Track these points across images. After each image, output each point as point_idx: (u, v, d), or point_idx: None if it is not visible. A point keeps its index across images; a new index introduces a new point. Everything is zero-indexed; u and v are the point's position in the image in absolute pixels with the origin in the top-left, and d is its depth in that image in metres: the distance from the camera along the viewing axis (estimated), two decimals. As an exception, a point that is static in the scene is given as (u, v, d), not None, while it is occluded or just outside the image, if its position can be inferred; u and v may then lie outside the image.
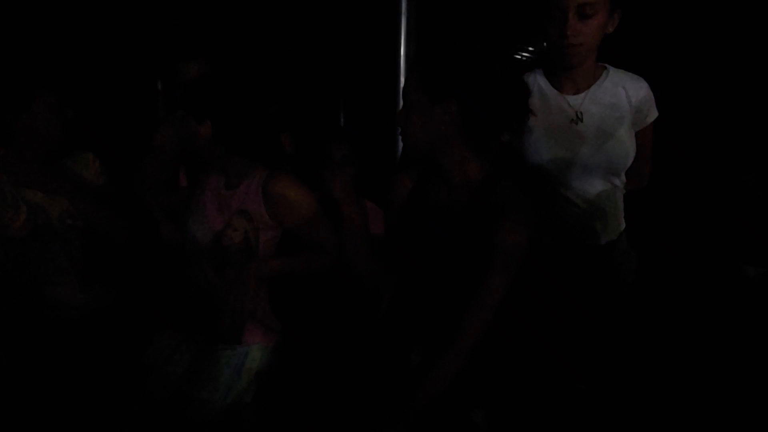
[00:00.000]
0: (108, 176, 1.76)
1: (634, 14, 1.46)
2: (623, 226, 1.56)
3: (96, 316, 1.71)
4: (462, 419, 1.17)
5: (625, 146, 1.46)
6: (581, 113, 1.45)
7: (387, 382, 1.20)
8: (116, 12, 2.71)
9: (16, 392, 1.56)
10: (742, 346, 1.41)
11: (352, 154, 1.84)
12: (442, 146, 1.16)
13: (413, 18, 2.35)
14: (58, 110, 1.62)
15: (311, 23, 2.97)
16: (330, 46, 2.97)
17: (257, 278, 1.47)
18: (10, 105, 1.55)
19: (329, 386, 1.39)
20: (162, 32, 2.71)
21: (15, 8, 2.44)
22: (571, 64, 1.44)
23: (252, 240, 1.50)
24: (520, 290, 1.13)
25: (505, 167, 1.41)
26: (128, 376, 1.55)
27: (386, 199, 1.38)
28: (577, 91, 1.47)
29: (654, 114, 1.52)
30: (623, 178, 1.50)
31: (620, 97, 1.47)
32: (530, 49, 2.96)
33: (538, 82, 1.49)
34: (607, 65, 1.51)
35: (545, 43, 1.47)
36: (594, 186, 1.46)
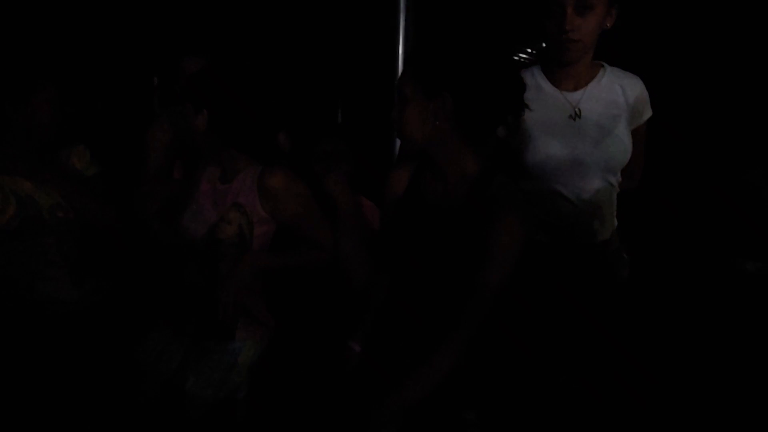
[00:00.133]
0: (99, 167, 1.76)
1: (630, 12, 1.46)
2: (616, 224, 1.56)
3: (88, 312, 1.70)
4: (455, 418, 1.16)
5: (623, 144, 1.46)
6: (580, 110, 1.45)
7: (380, 379, 1.19)
8: (114, 8, 2.71)
9: (6, 388, 1.55)
10: (740, 342, 1.41)
11: (347, 150, 1.83)
12: (438, 141, 1.15)
13: (412, 15, 2.35)
14: (57, 103, 1.62)
15: (310, 20, 2.97)
16: (328, 43, 2.97)
17: (251, 272, 1.46)
18: (10, 96, 1.55)
19: (322, 382, 1.38)
20: (159, 29, 2.71)
21: (16, 3, 2.44)
22: (570, 59, 1.43)
23: (246, 234, 1.49)
24: (516, 288, 1.13)
25: (501, 163, 1.41)
26: (120, 372, 1.54)
27: (382, 195, 1.37)
28: (575, 88, 1.47)
29: (648, 113, 1.53)
30: (619, 176, 1.50)
31: (618, 94, 1.48)
32: (528, 50, 2.97)
33: (536, 78, 1.49)
34: (603, 63, 1.51)
35: (544, 41, 1.47)
36: (592, 183, 1.45)
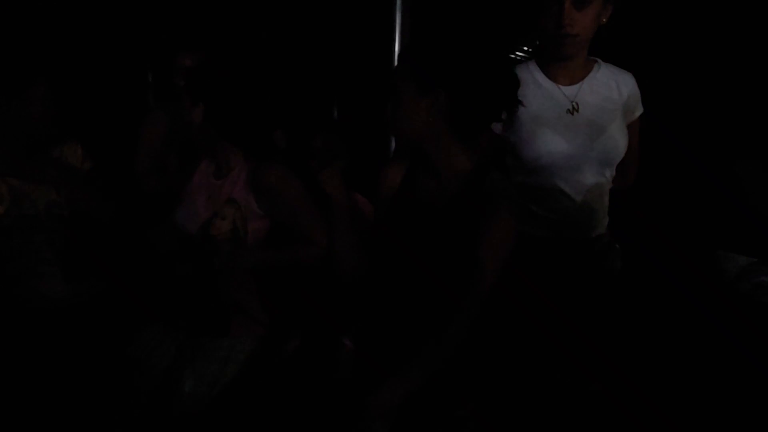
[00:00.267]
0: (93, 162, 1.75)
1: (621, 8, 1.46)
2: (607, 219, 1.56)
3: (80, 308, 1.69)
4: (447, 415, 1.16)
5: (620, 138, 1.46)
6: (577, 104, 1.45)
7: (372, 375, 1.19)
8: (108, 4, 2.70)
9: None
10: (733, 339, 1.41)
11: (341, 147, 1.83)
12: (430, 137, 1.15)
13: (408, 12, 2.34)
14: (50, 99, 1.61)
15: (306, 17, 2.97)
16: (324, 39, 2.96)
17: (245, 268, 1.46)
18: (3, 91, 1.54)
19: (315, 379, 1.38)
20: (153, 24, 2.70)
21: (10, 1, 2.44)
22: (567, 54, 1.43)
23: (240, 230, 1.49)
24: (512, 284, 1.13)
25: (495, 159, 1.41)
26: (113, 369, 1.53)
27: (375, 192, 1.37)
28: (571, 82, 1.47)
29: (640, 109, 1.54)
30: (613, 171, 1.50)
31: (612, 89, 1.48)
32: (525, 48, 2.96)
33: (532, 72, 1.48)
34: (597, 59, 1.51)
35: (540, 36, 1.46)
36: (588, 178, 1.45)
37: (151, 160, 1.91)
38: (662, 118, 1.72)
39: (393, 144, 2.14)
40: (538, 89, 1.46)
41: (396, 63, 2.23)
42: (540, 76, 1.48)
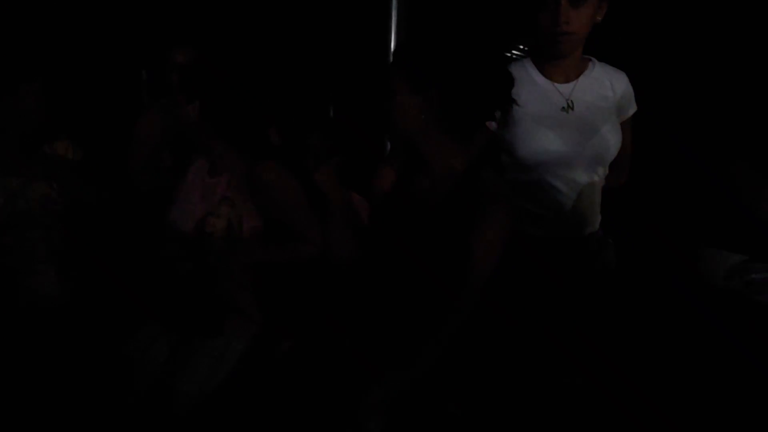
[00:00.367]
0: (83, 152, 1.75)
1: (613, 7, 1.47)
2: (600, 217, 1.58)
3: (74, 307, 1.68)
4: (438, 410, 1.16)
5: (614, 137, 1.47)
6: (572, 101, 1.46)
7: (367, 373, 1.19)
8: (102, 1, 2.69)
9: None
10: (723, 336, 1.42)
11: (337, 145, 1.83)
12: (424, 135, 1.15)
13: (404, 11, 2.35)
14: (42, 96, 1.61)
15: (302, 15, 2.96)
16: (320, 38, 2.96)
17: (240, 267, 1.46)
18: None
19: (310, 377, 1.38)
20: (147, 22, 2.69)
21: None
22: (563, 52, 1.44)
23: (235, 228, 1.49)
24: (506, 281, 1.13)
25: (490, 157, 1.41)
26: (107, 368, 1.53)
27: (370, 190, 1.37)
28: (566, 80, 1.48)
29: (633, 108, 1.55)
30: (606, 169, 1.51)
31: (607, 88, 1.49)
32: (521, 46, 2.96)
33: (527, 70, 1.49)
34: (591, 57, 1.52)
35: (536, 34, 1.46)
36: (583, 175, 1.46)
37: (145, 158, 1.91)
38: (655, 117, 1.73)
39: (389, 142, 2.14)
40: (533, 87, 1.46)
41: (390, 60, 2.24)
42: (535, 74, 1.48)
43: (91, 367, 1.57)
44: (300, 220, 1.50)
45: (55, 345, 1.62)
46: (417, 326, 1.14)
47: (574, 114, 1.45)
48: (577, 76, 1.48)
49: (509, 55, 2.92)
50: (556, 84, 1.47)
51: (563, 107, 1.45)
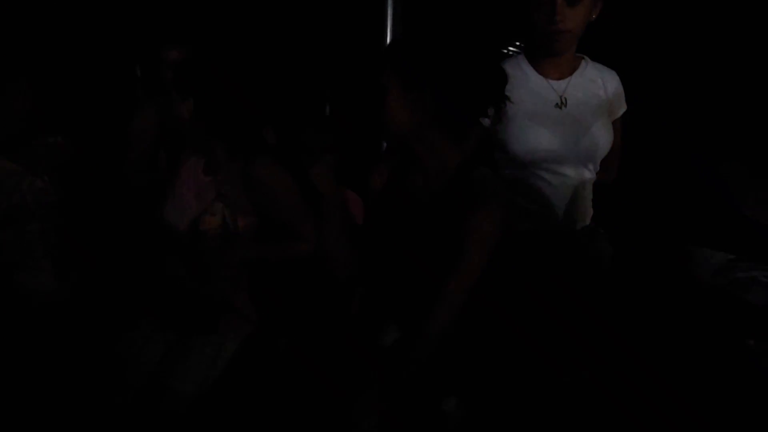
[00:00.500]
0: (75, 149, 1.75)
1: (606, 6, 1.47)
2: (592, 212, 1.58)
3: (69, 305, 1.68)
4: (433, 408, 1.16)
5: (605, 134, 1.48)
6: (565, 98, 1.46)
7: (363, 368, 1.19)
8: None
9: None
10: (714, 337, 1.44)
11: (332, 143, 1.83)
12: (417, 133, 1.15)
13: (400, 8, 2.34)
14: (30, 94, 1.61)
15: (298, 13, 2.95)
16: (316, 36, 2.95)
17: (234, 265, 1.45)
18: None
19: (305, 375, 1.38)
20: (141, 19, 2.68)
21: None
22: (558, 50, 1.44)
23: (230, 226, 1.48)
24: (495, 277, 1.13)
25: (483, 154, 1.41)
26: (102, 366, 1.52)
27: (365, 188, 1.37)
28: (560, 77, 1.48)
29: (623, 107, 1.56)
30: (598, 166, 1.52)
31: (599, 86, 1.50)
32: (518, 43, 2.96)
33: (521, 66, 1.49)
34: (584, 56, 1.53)
35: (532, 32, 1.46)
36: (575, 172, 1.47)
37: (140, 156, 1.90)
38: (646, 115, 1.74)
39: (385, 140, 2.14)
40: (527, 83, 1.47)
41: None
42: (529, 70, 1.49)
43: (85, 365, 1.57)
44: (294, 217, 1.50)
45: (50, 342, 1.62)
46: (413, 323, 1.14)
47: (567, 111, 1.46)
48: (571, 74, 1.49)
49: (506, 51, 2.92)
50: (550, 81, 1.47)
51: (557, 104, 1.46)
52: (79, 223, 1.71)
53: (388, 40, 2.35)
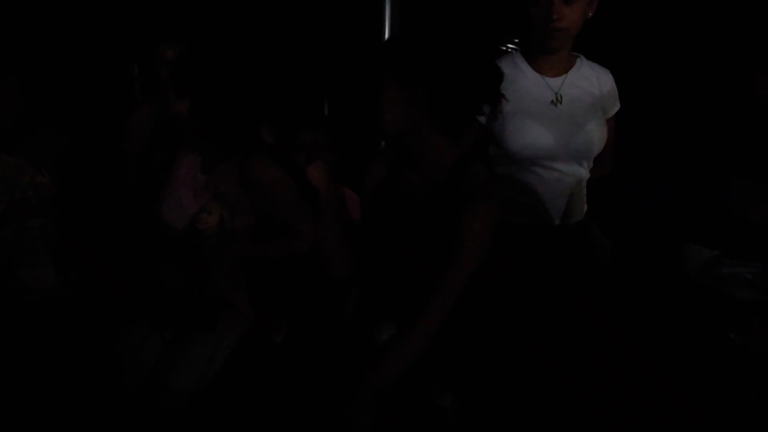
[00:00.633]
0: (70, 143, 1.76)
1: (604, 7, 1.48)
2: (586, 207, 1.59)
3: (68, 302, 1.69)
4: (429, 404, 1.17)
5: (599, 132, 1.49)
6: (561, 95, 1.47)
7: (359, 365, 1.19)
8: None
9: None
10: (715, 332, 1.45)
11: (328, 141, 1.82)
12: (412, 130, 1.15)
13: (397, 7, 2.34)
14: (18, 91, 1.62)
15: (296, 12, 2.95)
16: (315, 34, 2.95)
17: (232, 263, 1.46)
18: None
19: (301, 371, 1.38)
20: (139, 17, 2.68)
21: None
22: (555, 48, 1.45)
23: (227, 224, 1.48)
24: (489, 273, 1.13)
25: (478, 151, 1.41)
26: (100, 364, 1.53)
27: (361, 186, 1.37)
28: (556, 74, 1.49)
29: (617, 106, 1.57)
30: (591, 162, 1.53)
31: (594, 85, 1.51)
32: (516, 40, 2.96)
33: (517, 63, 1.50)
34: (579, 54, 1.54)
35: (529, 29, 1.47)
36: (569, 168, 1.48)
37: (137, 154, 1.90)
38: (641, 114, 1.75)
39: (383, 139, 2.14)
40: (523, 80, 1.48)
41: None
42: (525, 67, 1.49)
43: (84, 363, 1.57)
44: (291, 215, 1.50)
45: (49, 340, 1.63)
46: (408, 319, 1.14)
47: (562, 108, 1.46)
48: (567, 71, 1.49)
49: (504, 48, 2.92)
50: (545, 78, 1.48)
51: (552, 100, 1.47)
52: (78, 220, 1.72)
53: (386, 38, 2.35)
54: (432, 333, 1.10)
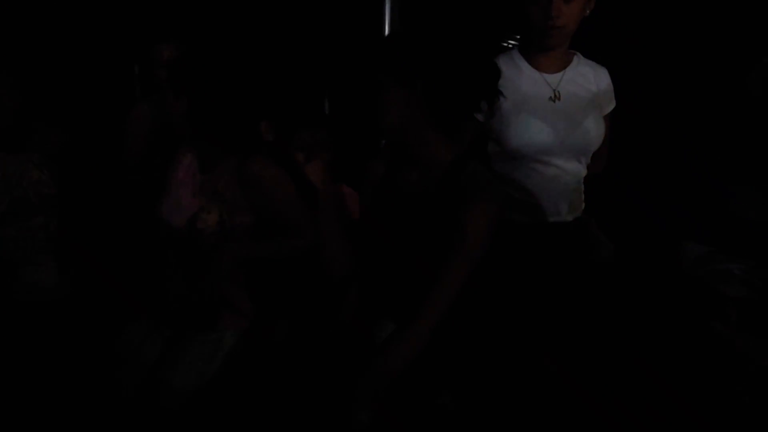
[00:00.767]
0: (68, 141, 1.77)
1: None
2: (584, 205, 1.60)
3: (69, 301, 1.69)
4: (429, 403, 1.17)
5: (596, 129, 1.49)
6: (559, 92, 1.48)
7: (358, 364, 1.19)
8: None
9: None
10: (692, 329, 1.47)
11: (328, 139, 1.82)
12: (410, 128, 1.15)
13: (397, 7, 2.34)
14: (14, 89, 1.63)
15: (296, 10, 2.95)
16: (315, 33, 2.95)
17: (231, 262, 1.46)
18: None
19: (302, 371, 1.38)
20: (139, 17, 2.69)
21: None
22: (553, 45, 1.46)
23: (227, 223, 1.49)
24: (488, 271, 1.13)
25: (477, 148, 1.41)
26: (101, 363, 1.53)
27: (361, 184, 1.37)
28: (554, 71, 1.50)
29: (613, 103, 1.58)
30: (589, 159, 1.54)
31: (591, 82, 1.52)
32: (518, 36, 2.95)
33: (515, 60, 1.51)
34: (576, 52, 1.54)
35: (527, 27, 1.47)
36: (567, 164, 1.48)
37: (136, 153, 1.91)
38: (639, 113, 1.75)
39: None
40: (521, 76, 1.48)
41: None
42: (523, 64, 1.50)
43: (84, 362, 1.58)
44: (290, 214, 1.51)
45: (48, 340, 1.63)
46: (407, 317, 1.14)
47: (560, 104, 1.47)
48: (564, 68, 1.50)
49: (505, 45, 2.91)
50: (544, 74, 1.49)
51: (550, 97, 1.47)
52: (78, 220, 1.72)
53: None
54: (431, 331, 1.10)
